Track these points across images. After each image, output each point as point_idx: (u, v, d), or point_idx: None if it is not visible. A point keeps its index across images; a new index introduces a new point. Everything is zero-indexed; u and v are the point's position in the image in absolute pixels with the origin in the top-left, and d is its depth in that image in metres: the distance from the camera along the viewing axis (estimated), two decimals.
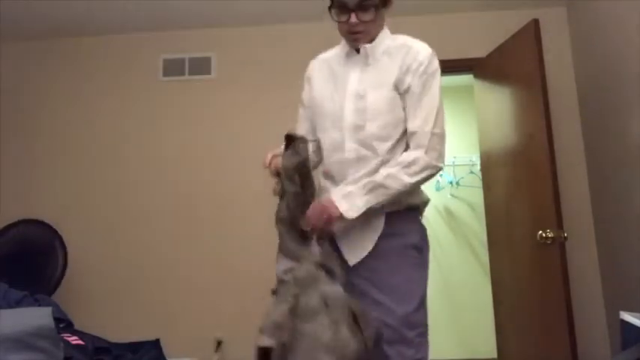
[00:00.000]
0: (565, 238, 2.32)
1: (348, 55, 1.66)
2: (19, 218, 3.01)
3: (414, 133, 1.53)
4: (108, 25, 3.32)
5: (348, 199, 1.46)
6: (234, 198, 3.15)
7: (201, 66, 3.36)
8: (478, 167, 3.86)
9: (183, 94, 3.34)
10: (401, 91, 1.56)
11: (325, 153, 1.62)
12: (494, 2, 3.14)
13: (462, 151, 4.39)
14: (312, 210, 1.48)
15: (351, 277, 1.50)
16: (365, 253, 1.52)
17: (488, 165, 3.03)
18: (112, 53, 3.43)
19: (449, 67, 3.23)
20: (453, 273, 4.29)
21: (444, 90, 1.60)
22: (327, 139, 1.60)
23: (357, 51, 1.64)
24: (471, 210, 4.45)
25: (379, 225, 1.53)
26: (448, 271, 4.28)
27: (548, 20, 2.94)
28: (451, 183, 4.44)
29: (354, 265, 1.53)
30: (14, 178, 3.28)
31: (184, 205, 3.19)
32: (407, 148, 1.56)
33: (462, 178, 4.42)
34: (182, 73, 3.37)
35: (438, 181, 4.40)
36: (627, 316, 1.51)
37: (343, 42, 1.70)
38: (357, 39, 1.61)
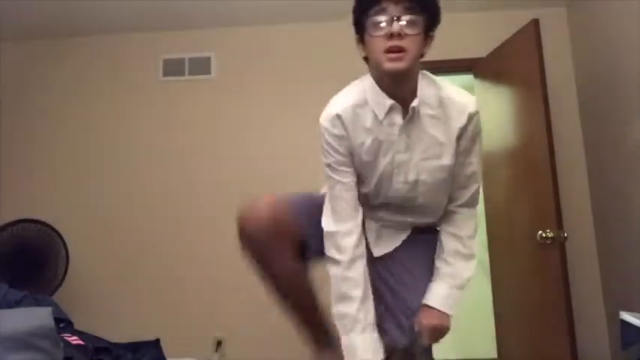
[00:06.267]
0: (565, 238, 2.32)
1: (390, 112, 1.34)
2: (18, 218, 3.01)
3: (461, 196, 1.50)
4: (108, 25, 3.32)
5: (448, 302, 1.45)
6: (235, 198, 3.14)
7: (201, 66, 3.36)
8: None
9: (183, 94, 3.34)
10: (455, 168, 1.42)
11: (371, 196, 1.49)
12: (494, 2, 3.14)
13: None
14: (429, 331, 1.42)
15: (375, 263, 1.52)
16: (390, 250, 1.55)
17: (489, 165, 3.02)
18: (112, 53, 3.43)
19: (449, 67, 3.26)
20: None
21: None
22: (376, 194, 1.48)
23: (404, 109, 1.34)
24: None
25: (408, 231, 1.57)
26: None
27: (548, 20, 2.94)
28: None
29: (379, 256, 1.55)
30: (14, 177, 3.28)
31: (184, 205, 3.19)
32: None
33: None
34: (182, 73, 3.37)
35: None
36: (627, 316, 1.51)
37: (370, 85, 1.36)
38: (396, 58, 1.24)
